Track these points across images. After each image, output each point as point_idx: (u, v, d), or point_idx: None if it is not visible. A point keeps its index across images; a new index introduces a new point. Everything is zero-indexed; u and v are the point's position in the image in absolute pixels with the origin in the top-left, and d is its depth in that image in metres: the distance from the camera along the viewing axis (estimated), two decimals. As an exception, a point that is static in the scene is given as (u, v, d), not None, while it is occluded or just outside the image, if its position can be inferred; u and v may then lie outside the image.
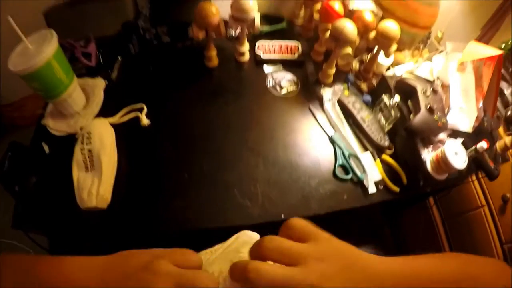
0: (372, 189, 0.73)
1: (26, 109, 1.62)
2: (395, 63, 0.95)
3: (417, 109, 0.78)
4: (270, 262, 0.28)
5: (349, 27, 0.77)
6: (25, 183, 0.69)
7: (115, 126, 0.76)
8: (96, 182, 0.66)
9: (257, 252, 0.29)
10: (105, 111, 0.79)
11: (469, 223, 1.10)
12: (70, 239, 0.78)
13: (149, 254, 0.30)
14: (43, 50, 0.64)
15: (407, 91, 0.81)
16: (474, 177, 1.08)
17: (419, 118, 0.75)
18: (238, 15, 0.79)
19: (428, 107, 0.77)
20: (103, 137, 0.71)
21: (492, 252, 1.02)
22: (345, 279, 0.27)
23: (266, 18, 1.00)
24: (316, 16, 0.93)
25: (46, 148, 0.74)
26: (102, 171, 0.67)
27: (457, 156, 0.72)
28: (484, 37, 1.14)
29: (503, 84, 1.06)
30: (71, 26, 0.94)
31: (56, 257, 0.32)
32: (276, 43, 0.93)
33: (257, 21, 0.81)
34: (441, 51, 0.99)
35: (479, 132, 0.85)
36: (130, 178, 0.71)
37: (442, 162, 0.72)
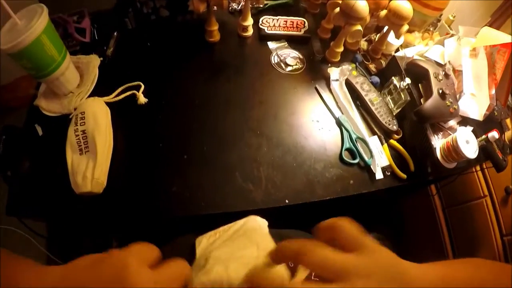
0: (379, 175, 0.70)
1: (20, 89, 1.57)
2: (405, 45, 0.91)
3: (428, 93, 0.75)
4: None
5: (360, 3, 0.73)
6: (18, 168, 0.65)
7: (110, 105, 0.72)
8: (90, 165, 0.62)
9: (296, 260, 0.27)
10: (101, 90, 0.75)
11: (470, 213, 1.09)
12: (67, 225, 0.75)
13: (116, 263, 0.27)
14: (32, 25, 0.59)
15: (418, 73, 0.78)
16: (478, 167, 1.06)
17: (431, 102, 0.71)
18: (242, -13, 0.74)
19: (440, 92, 0.73)
20: (97, 117, 0.67)
21: (492, 243, 1.01)
22: None
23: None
24: (324, -9, 0.87)
25: (39, 130, 0.70)
26: (97, 152, 0.63)
27: (468, 145, 0.69)
28: (494, 24, 1.10)
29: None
30: (65, 0, 0.88)
31: (22, 263, 0.31)
32: (281, 19, 0.88)
33: (262, -6, 0.76)
34: (452, 35, 0.95)
35: (489, 121, 0.82)
36: (127, 160, 0.67)
37: (453, 150, 0.69)
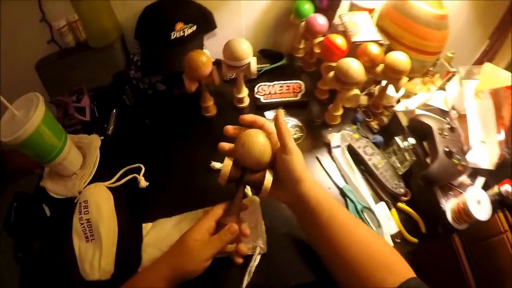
0: (389, 245, 0.67)
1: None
2: (406, 94, 0.88)
3: (434, 152, 0.72)
4: None
5: (354, 67, 0.71)
6: (28, 249, 0.67)
7: (113, 188, 0.73)
8: (97, 254, 0.63)
9: None
10: (103, 170, 0.76)
11: (492, 249, 1.04)
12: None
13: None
14: (30, 117, 0.61)
15: (422, 130, 0.75)
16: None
17: (437, 165, 0.69)
18: (232, 63, 0.73)
19: (446, 151, 0.71)
20: (100, 206, 0.68)
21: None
22: None
23: (265, 53, 0.94)
24: (316, 49, 0.85)
25: (47, 211, 0.72)
26: (102, 242, 0.64)
27: (480, 205, 0.67)
28: (494, 46, 1.07)
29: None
30: (64, 78, 0.91)
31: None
32: (277, 84, 0.87)
33: (253, 65, 0.74)
34: (453, 73, 0.92)
35: (502, 165, 0.79)
36: (133, 242, 0.66)
37: (464, 214, 0.67)
